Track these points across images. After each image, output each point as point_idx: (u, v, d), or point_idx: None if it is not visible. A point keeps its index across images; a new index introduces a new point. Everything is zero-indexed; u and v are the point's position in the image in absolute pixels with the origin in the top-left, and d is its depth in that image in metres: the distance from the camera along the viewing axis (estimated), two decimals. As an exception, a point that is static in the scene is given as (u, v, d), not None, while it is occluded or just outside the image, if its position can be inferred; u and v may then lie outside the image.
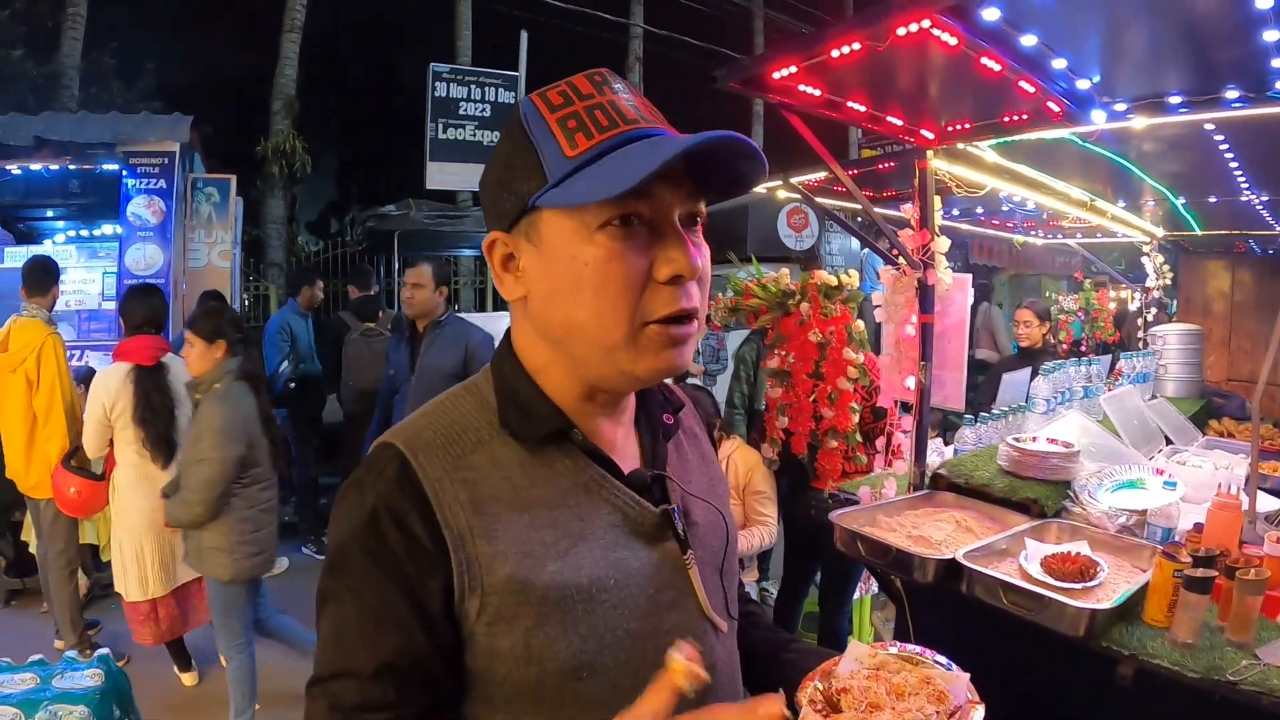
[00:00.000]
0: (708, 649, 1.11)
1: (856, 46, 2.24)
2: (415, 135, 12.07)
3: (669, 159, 0.90)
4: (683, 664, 0.88)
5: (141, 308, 4.41)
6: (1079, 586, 2.33)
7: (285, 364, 6.60)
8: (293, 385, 6.64)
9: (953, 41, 2.12)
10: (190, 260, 8.10)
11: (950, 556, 2.54)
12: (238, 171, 8.81)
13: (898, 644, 1.25)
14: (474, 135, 11.88)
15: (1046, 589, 2.30)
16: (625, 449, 1.15)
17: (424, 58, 12.02)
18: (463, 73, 12.00)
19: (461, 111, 11.76)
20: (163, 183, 7.62)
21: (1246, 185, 4.12)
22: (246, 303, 11.39)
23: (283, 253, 12.58)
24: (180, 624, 4.48)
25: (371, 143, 19.09)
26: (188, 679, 4.63)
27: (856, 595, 4.45)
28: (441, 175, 11.74)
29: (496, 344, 1.20)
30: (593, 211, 0.96)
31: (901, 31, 2.07)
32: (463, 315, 10.16)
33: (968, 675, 1.15)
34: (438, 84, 11.57)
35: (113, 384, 4.18)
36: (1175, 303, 7.04)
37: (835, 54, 2.30)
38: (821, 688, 1.13)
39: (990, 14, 2.03)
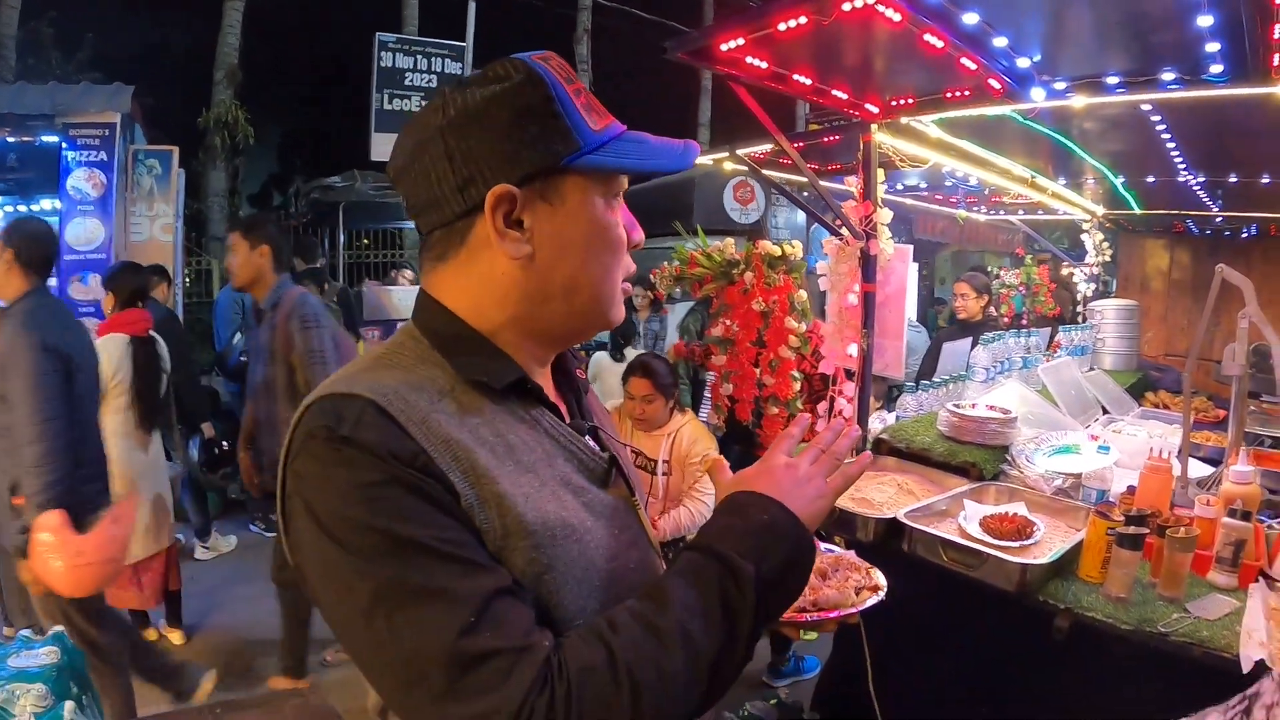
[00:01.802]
0: None
1: (803, 20, 2.28)
2: (360, 106, 11.90)
3: (684, 164, 1.11)
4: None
5: (131, 282, 4.56)
6: (1016, 545, 2.42)
7: (239, 337, 6.45)
8: (243, 359, 6.51)
9: (896, 18, 2.17)
10: (132, 235, 7.91)
11: (892, 516, 2.63)
12: (179, 143, 8.63)
13: None
14: (420, 106, 11.65)
15: (984, 546, 2.39)
16: (559, 404, 1.18)
17: (369, 26, 11.86)
18: (409, 43, 11.82)
19: (407, 82, 11.59)
20: (103, 155, 7.42)
21: (1183, 166, 4.24)
22: (188, 279, 11.19)
23: (225, 226, 12.36)
24: (162, 588, 4.57)
25: (315, 113, 18.82)
26: (176, 636, 4.72)
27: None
28: (387, 146, 11.49)
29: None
30: (611, 183, 1.07)
31: (847, 7, 2.12)
32: (405, 287, 10.15)
33: (853, 551, 1.44)
34: (383, 54, 11.38)
35: (115, 354, 4.28)
36: (1115, 280, 7.21)
37: (782, 27, 2.34)
38: None
39: (932, -10, 2.09)
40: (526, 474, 1.01)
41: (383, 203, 9.21)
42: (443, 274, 1.09)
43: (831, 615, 1.24)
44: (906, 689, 2.53)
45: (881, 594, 1.31)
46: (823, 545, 1.43)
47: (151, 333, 4.52)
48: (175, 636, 4.72)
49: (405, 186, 1.07)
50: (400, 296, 8.52)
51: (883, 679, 2.28)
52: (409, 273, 10.30)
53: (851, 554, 1.42)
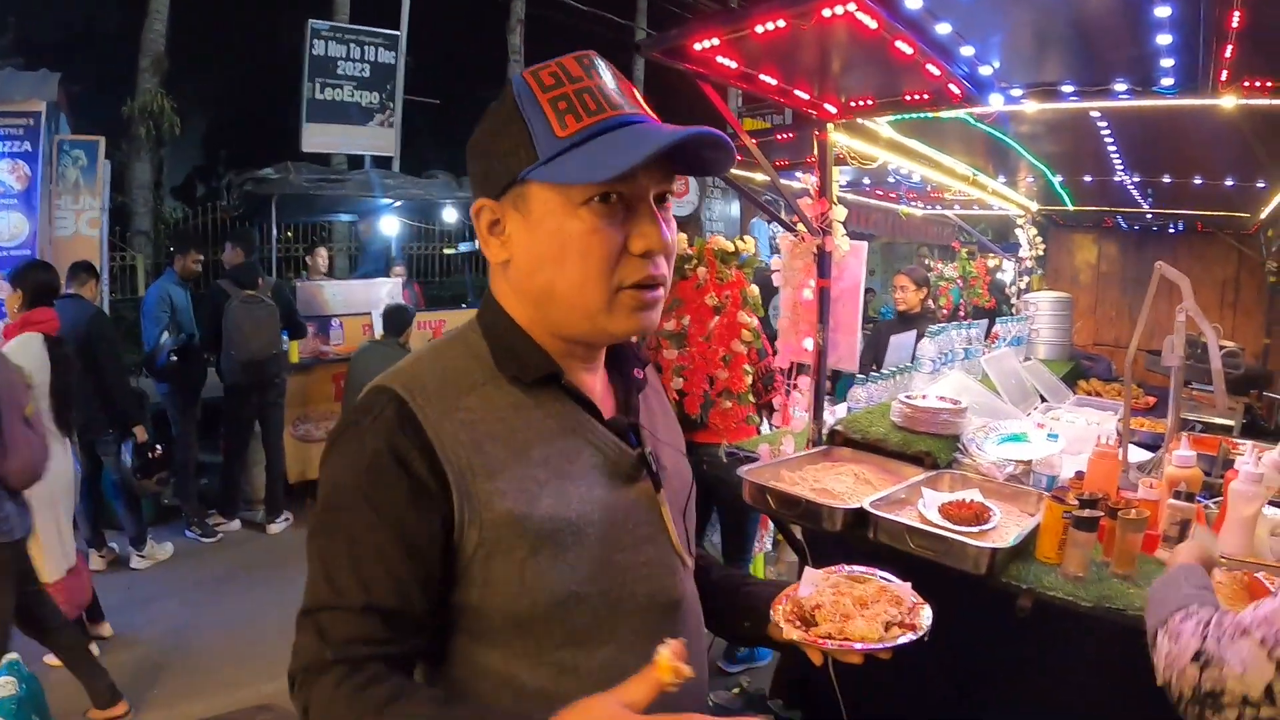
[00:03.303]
0: (678, 581, 1.26)
1: (781, 24, 2.35)
2: (290, 96, 11.70)
3: (649, 155, 1.02)
4: (669, 660, 0.95)
5: (40, 279, 4.41)
6: (975, 530, 2.53)
7: (166, 335, 6.30)
8: (174, 358, 6.33)
9: (873, 25, 2.26)
10: (57, 229, 7.58)
11: (858, 506, 2.72)
12: (102, 133, 8.33)
13: (845, 566, 1.45)
14: (352, 96, 11.61)
15: (950, 533, 2.50)
16: (604, 398, 1.26)
17: (301, 13, 11.67)
18: (343, 30, 11.68)
19: (340, 71, 11.47)
20: (28, 145, 7.12)
21: (1121, 166, 4.43)
22: (114, 274, 10.87)
23: (149, 220, 11.99)
24: (87, 590, 4.47)
25: (243, 103, 18.33)
26: (105, 629, 4.61)
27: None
28: (319, 137, 11.44)
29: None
30: (578, 189, 1.06)
31: (827, 13, 2.20)
32: (341, 281, 9.98)
33: (909, 584, 1.41)
34: (316, 42, 11.23)
35: (33, 353, 4.11)
36: (1037, 271, 7.42)
37: (760, 29, 2.41)
38: (791, 607, 1.33)
39: (913, 2, 2.18)
40: (534, 469, 1.11)
41: (317, 195, 9.05)
42: (490, 272, 1.22)
43: (855, 647, 1.25)
44: (867, 672, 2.62)
45: (916, 635, 1.29)
46: (876, 572, 1.46)
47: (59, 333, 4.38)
48: (104, 629, 4.66)
49: None
50: (333, 292, 8.33)
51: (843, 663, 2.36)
52: (323, 251, 10.17)
53: (905, 588, 1.41)
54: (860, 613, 1.31)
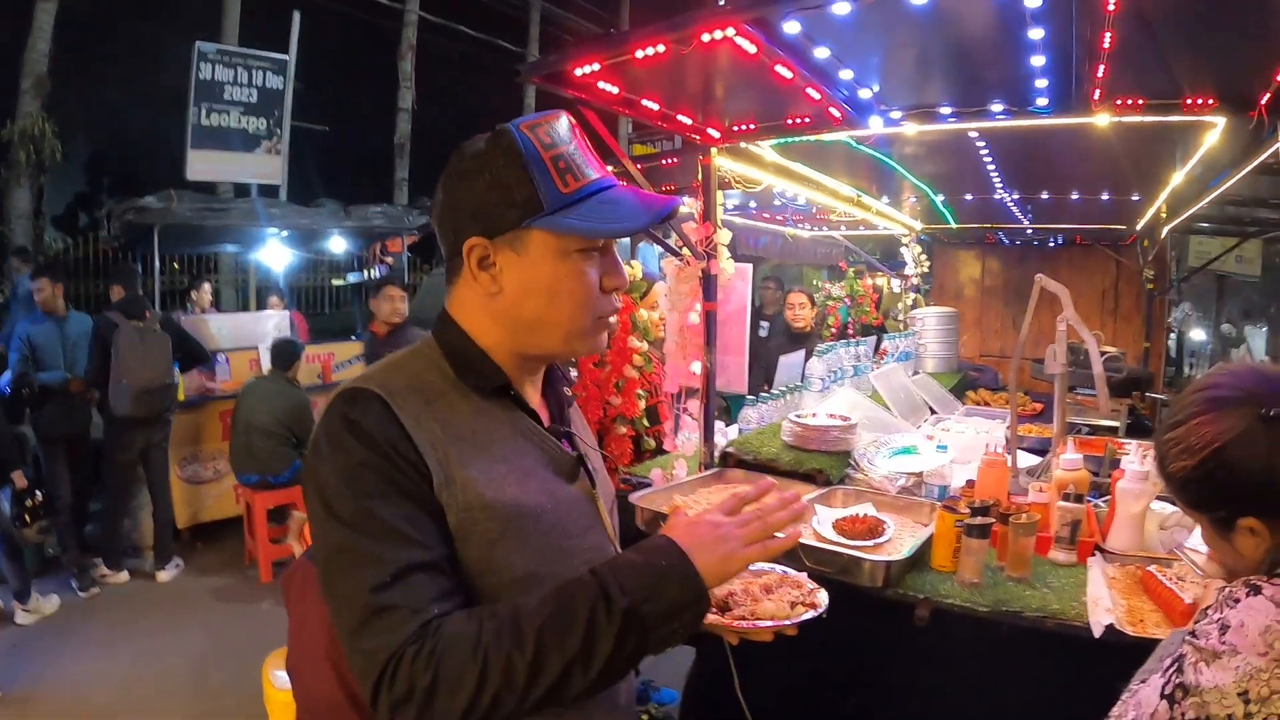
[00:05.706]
0: None
1: (661, 49, 2.36)
2: (174, 120, 11.29)
3: (645, 223, 1.27)
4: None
5: None
6: (870, 543, 2.56)
7: (7, 373, 6.07)
8: (25, 392, 6.08)
9: (752, 50, 2.28)
10: (-70, 260, 7.34)
11: (753, 526, 2.73)
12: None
13: None
14: (240, 122, 11.25)
15: (843, 548, 2.52)
16: (542, 410, 1.44)
17: (189, 35, 11.29)
18: (230, 54, 11.31)
19: (227, 96, 11.12)
20: (-102, 171, 6.87)
21: (1000, 185, 4.59)
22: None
23: (30, 250, 11.50)
24: None
25: (127, 128, 17.70)
26: None
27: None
28: (204, 165, 11.04)
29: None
30: (575, 239, 1.27)
31: (706, 38, 2.22)
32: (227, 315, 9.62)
33: (805, 573, 1.64)
34: (203, 65, 10.85)
35: None
36: (923, 288, 7.61)
37: (639, 54, 2.41)
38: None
39: (791, 27, 2.21)
40: (497, 463, 1.26)
41: (200, 225, 8.70)
42: (451, 295, 1.37)
43: (765, 625, 1.43)
44: (772, 690, 2.61)
45: (817, 612, 1.50)
46: (774, 566, 1.66)
47: None
48: None
49: (432, 219, 1.35)
50: (218, 326, 8.05)
51: (748, 681, 2.36)
52: (207, 286, 9.91)
53: (802, 576, 1.62)
54: (767, 597, 1.52)
